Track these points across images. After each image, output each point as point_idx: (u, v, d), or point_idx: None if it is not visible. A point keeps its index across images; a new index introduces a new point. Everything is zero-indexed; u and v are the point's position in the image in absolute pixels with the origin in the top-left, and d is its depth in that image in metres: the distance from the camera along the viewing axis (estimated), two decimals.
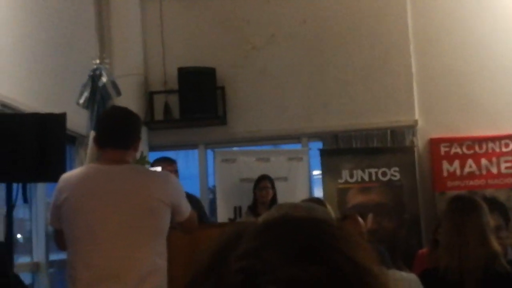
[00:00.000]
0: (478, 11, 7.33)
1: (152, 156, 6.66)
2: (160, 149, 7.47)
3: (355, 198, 6.95)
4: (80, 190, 3.10)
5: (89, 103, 4.92)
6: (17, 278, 3.81)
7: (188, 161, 7.81)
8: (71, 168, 5.50)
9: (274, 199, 6.42)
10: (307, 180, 7.20)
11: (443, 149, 7.13)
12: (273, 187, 6.50)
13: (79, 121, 5.36)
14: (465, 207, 3.09)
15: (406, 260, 5.85)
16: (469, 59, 7.28)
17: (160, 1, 7.63)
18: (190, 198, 4.47)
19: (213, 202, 7.38)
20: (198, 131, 7.49)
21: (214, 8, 7.63)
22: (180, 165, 6.09)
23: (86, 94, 4.91)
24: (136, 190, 3.09)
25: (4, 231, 4.07)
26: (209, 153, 7.58)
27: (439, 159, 7.13)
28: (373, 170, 6.99)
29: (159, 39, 7.55)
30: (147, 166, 5.57)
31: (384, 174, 6.98)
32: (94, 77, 4.95)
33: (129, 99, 6.41)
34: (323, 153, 7.17)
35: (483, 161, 7.08)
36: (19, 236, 5.73)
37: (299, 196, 6.30)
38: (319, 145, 7.42)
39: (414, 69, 7.34)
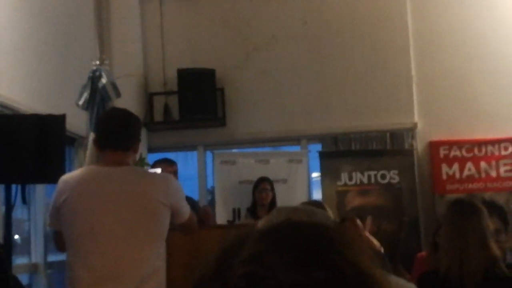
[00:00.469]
0: (478, 14, 7.34)
1: (151, 157, 6.66)
2: (159, 150, 7.47)
3: (354, 201, 6.95)
4: (79, 192, 3.09)
5: (89, 105, 4.92)
6: (15, 280, 3.80)
7: (187, 163, 7.81)
8: (70, 169, 5.50)
9: (273, 201, 6.42)
10: (306, 182, 7.20)
11: (442, 152, 7.13)
12: (272, 189, 6.50)
13: (78, 122, 5.36)
14: (465, 210, 3.10)
15: (405, 263, 5.85)
16: (469, 62, 7.28)
17: (160, 2, 7.64)
18: (187, 200, 4.47)
19: (212, 204, 7.37)
20: (197, 132, 7.50)
21: (214, 9, 7.63)
22: (179, 166, 6.09)
23: (85, 95, 4.91)
24: (136, 192, 3.09)
25: (3, 232, 4.07)
26: (209, 154, 7.57)
27: (439, 162, 7.13)
28: (372, 173, 6.99)
29: (159, 40, 7.56)
30: (146, 167, 5.58)
31: (383, 176, 6.98)
32: (94, 79, 4.95)
33: (128, 100, 6.41)
34: (323, 155, 7.18)
35: (483, 164, 7.08)
36: (17, 236, 5.72)
37: (298, 198, 6.30)
38: (319, 147, 7.42)
39: (413, 72, 7.34)
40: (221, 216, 6.75)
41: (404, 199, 6.96)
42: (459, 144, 7.12)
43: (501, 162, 7.06)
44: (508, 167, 7.04)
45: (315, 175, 7.55)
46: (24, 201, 4.01)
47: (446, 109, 7.24)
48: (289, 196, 6.65)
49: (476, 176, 7.08)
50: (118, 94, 5.07)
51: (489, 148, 7.09)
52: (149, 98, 7.43)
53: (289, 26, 7.54)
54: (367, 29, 7.43)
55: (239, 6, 7.62)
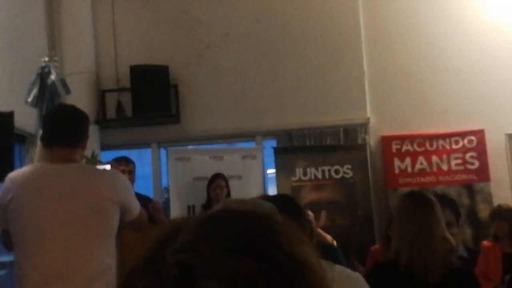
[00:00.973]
0: (429, 11, 7.45)
1: (105, 155, 6.59)
2: (112, 148, 7.40)
3: (309, 196, 6.99)
4: (26, 190, 3.04)
5: (38, 101, 4.83)
6: None
7: (142, 161, 7.74)
8: (21, 167, 5.40)
9: (228, 198, 6.41)
10: (261, 178, 7.21)
11: (394, 147, 7.22)
12: (227, 185, 6.48)
13: (28, 119, 5.27)
14: (425, 203, 3.15)
15: (359, 256, 5.92)
16: (420, 59, 7.39)
17: None
18: (143, 199, 4.44)
19: (167, 203, 7.32)
20: (151, 129, 7.44)
21: (166, 6, 7.59)
22: None
23: (34, 92, 4.82)
24: (84, 189, 3.05)
25: None
26: (163, 151, 7.52)
27: (391, 157, 7.22)
28: (326, 168, 7.04)
29: (111, 37, 7.48)
30: (98, 165, 5.51)
31: (337, 171, 7.04)
32: (43, 75, 4.86)
33: (80, 97, 6.34)
34: (277, 151, 7.20)
35: (434, 158, 7.19)
36: None
37: (253, 194, 6.30)
38: (273, 143, 7.44)
39: (365, 68, 7.42)
40: (176, 213, 6.72)
41: (357, 194, 7.03)
42: (410, 138, 7.21)
43: (452, 156, 7.18)
44: (459, 161, 7.16)
45: (270, 171, 7.57)
46: None
47: (398, 105, 7.34)
48: (244, 192, 6.64)
49: (428, 170, 7.19)
50: (67, 91, 4.99)
51: (440, 142, 7.20)
52: (101, 95, 7.34)
53: (242, 24, 7.54)
54: (320, 26, 7.47)
55: (191, 4, 7.58)
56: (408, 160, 7.20)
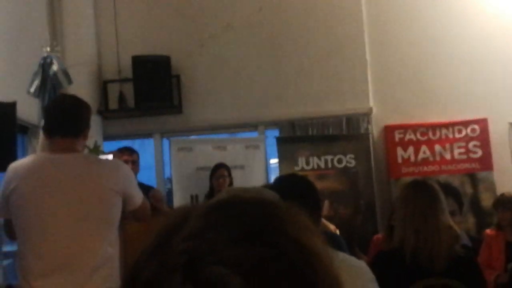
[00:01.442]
0: (431, 0, 7.42)
1: (107, 145, 6.59)
2: (115, 138, 7.40)
3: None
4: (28, 180, 3.04)
5: (40, 92, 4.83)
6: None
7: (144, 151, 7.75)
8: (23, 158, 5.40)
9: None
10: (264, 168, 7.22)
11: (397, 136, 7.21)
12: (229, 175, 6.49)
13: (30, 110, 5.27)
14: (430, 193, 3.15)
15: (362, 246, 5.93)
16: (423, 48, 7.37)
17: None
18: (144, 188, 4.43)
19: (170, 193, 7.33)
20: (153, 120, 7.44)
21: None
22: None
23: (37, 82, 4.83)
24: (86, 179, 3.05)
25: None
26: (165, 142, 7.52)
27: (394, 146, 7.21)
28: (329, 157, 7.04)
29: (113, 27, 7.46)
30: (101, 155, 5.51)
31: (339, 161, 7.03)
32: (45, 66, 4.86)
33: (82, 88, 6.32)
34: (280, 140, 7.19)
35: (437, 147, 7.17)
36: None
37: (256, 184, 6.30)
38: (276, 133, 7.44)
39: (368, 57, 7.40)
40: (179, 203, 6.72)
41: (360, 183, 7.03)
42: (413, 128, 7.20)
43: (455, 145, 7.16)
44: (462, 150, 7.15)
45: (273, 160, 7.57)
46: None
47: (401, 94, 7.33)
48: (246, 182, 6.65)
49: (431, 159, 7.18)
50: (69, 81, 4.99)
51: (443, 131, 7.18)
52: (103, 86, 7.33)
53: (244, 14, 7.52)
54: (322, 16, 7.45)
55: None
56: (411, 150, 7.19)
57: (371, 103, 7.34)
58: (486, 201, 6.84)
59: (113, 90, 7.35)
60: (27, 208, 3.02)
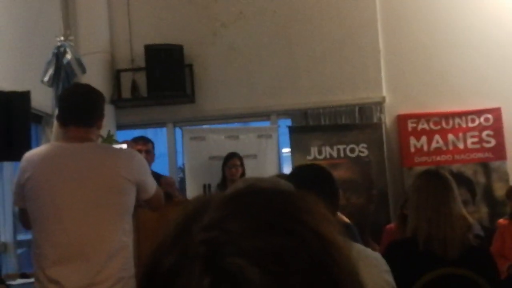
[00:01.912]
0: None
1: (120, 134, 6.61)
2: (128, 127, 7.42)
3: None
4: (43, 169, 3.05)
5: (54, 81, 4.85)
6: None
7: (157, 140, 7.76)
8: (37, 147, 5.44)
9: (243, 177, 6.42)
10: (276, 157, 7.22)
11: (410, 125, 7.19)
12: (242, 164, 6.50)
13: (44, 99, 5.30)
14: (444, 182, 3.16)
15: (374, 235, 5.92)
16: (436, 36, 7.33)
17: None
18: (159, 178, 4.45)
19: (183, 182, 7.35)
20: (166, 109, 7.45)
21: None
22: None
23: (50, 71, 4.84)
24: (101, 168, 3.06)
25: None
26: (178, 131, 7.53)
27: (407, 135, 7.19)
28: (341, 147, 7.03)
29: (126, 16, 7.47)
30: (114, 144, 5.53)
31: (352, 150, 7.02)
32: (58, 55, 4.87)
33: (95, 77, 6.35)
34: (292, 130, 7.19)
35: (450, 136, 7.15)
36: None
37: (269, 173, 6.31)
38: (288, 122, 7.43)
39: (381, 46, 7.37)
40: (192, 192, 6.75)
41: (373, 172, 7.02)
42: (426, 117, 7.17)
43: (468, 134, 7.13)
44: (475, 139, 7.12)
45: (285, 150, 7.56)
46: None
47: (414, 83, 7.30)
48: (259, 171, 6.65)
49: (444, 148, 7.15)
50: (83, 70, 5.00)
51: (457, 120, 7.15)
52: (116, 75, 7.35)
53: (257, 2, 7.51)
54: (335, 4, 7.42)
55: None
56: (424, 139, 7.16)
57: (384, 92, 7.32)
58: (499, 190, 6.82)
59: (126, 79, 7.37)
60: (42, 197, 3.04)
